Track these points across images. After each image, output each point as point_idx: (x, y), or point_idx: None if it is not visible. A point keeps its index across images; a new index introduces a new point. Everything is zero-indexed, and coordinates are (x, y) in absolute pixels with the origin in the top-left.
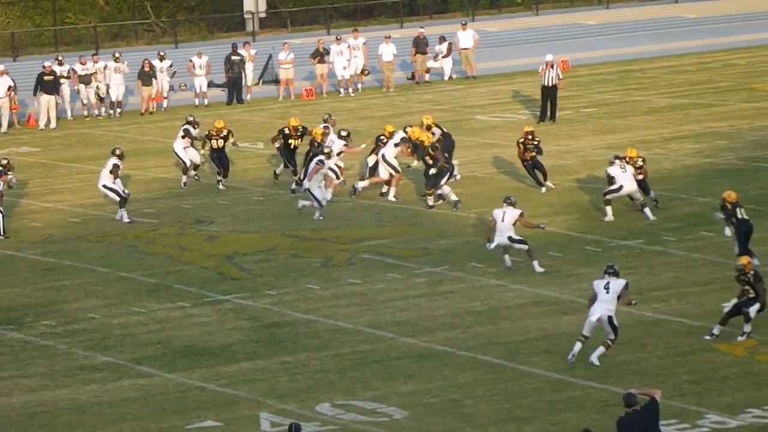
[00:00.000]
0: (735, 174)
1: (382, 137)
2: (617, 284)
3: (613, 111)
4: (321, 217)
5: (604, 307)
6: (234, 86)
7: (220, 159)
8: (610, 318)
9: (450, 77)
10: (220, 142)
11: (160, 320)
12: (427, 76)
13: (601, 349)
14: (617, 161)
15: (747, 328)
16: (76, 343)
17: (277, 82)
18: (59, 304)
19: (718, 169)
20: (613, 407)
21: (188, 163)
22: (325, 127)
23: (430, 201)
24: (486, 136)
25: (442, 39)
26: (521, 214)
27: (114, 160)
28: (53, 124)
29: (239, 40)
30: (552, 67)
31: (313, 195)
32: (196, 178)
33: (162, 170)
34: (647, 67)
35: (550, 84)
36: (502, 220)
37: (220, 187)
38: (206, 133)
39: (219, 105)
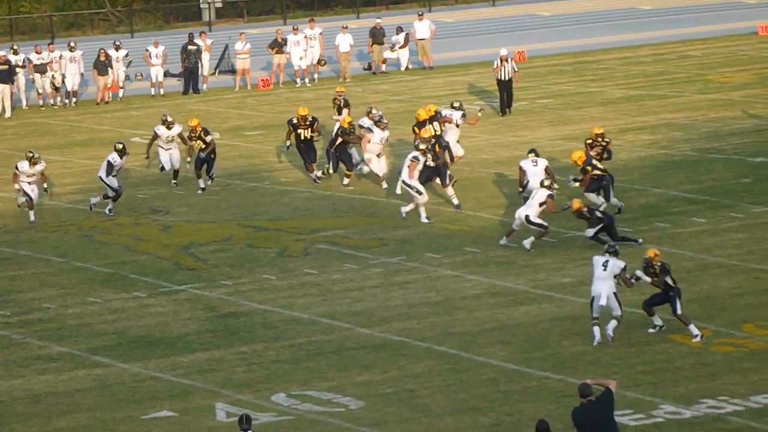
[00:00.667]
0: (690, 165)
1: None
2: (615, 264)
3: (568, 102)
4: (428, 220)
5: (604, 285)
6: (190, 76)
7: (207, 161)
8: (615, 294)
9: (406, 68)
10: (200, 143)
11: (116, 310)
12: (383, 67)
13: (614, 323)
14: (530, 155)
15: (657, 320)
16: (32, 333)
17: (233, 72)
18: (14, 294)
19: (673, 160)
20: (569, 398)
21: (168, 168)
22: (379, 118)
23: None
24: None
25: (399, 29)
26: (550, 196)
27: (111, 156)
28: (8, 114)
29: (195, 29)
30: (507, 61)
31: (413, 187)
32: (174, 183)
33: None
34: (603, 58)
35: (506, 78)
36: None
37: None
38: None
39: (175, 95)
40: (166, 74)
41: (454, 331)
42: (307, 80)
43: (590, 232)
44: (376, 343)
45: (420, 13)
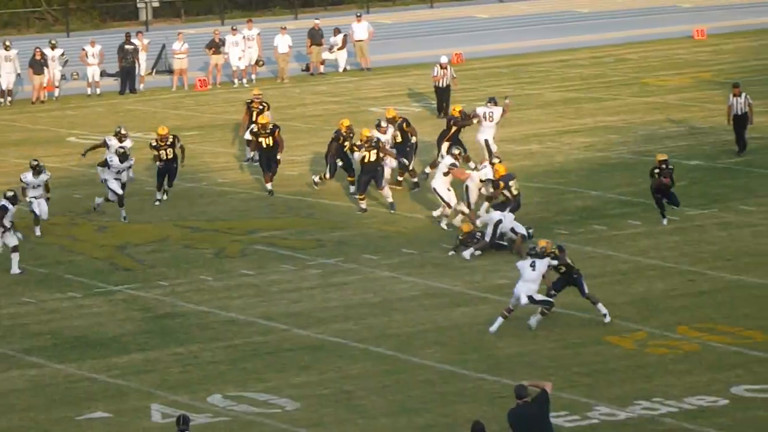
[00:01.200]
0: (626, 168)
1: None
2: (542, 263)
3: None
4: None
5: (526, 286)
6: (127, 75)
7: (169, 171)
8: (530, 297)
9: (344, 69)
10: (169, 151)
11: (51, 310)
12: (321, 68)
13: (539, 316)
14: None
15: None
16: None
17: (170, 71)
18: None
19: (609, 163)
20: (504, 399)
21: (113, 199)
22: (378, 122)
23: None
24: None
25: (337, 31)
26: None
27: (23, 174)
28: None
29: (132, 29)
30: (446, 68)
31: (440, 196)
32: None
33: (53, 159)
34: (540, 60)
35: (444, 85)
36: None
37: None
38: (152, 143)
39: (112, 94)
40: (103, 74)
41: (390, 333)
42: (245, 81)
43: (467, 253)
44: (314, 345)
45: (358, 14)
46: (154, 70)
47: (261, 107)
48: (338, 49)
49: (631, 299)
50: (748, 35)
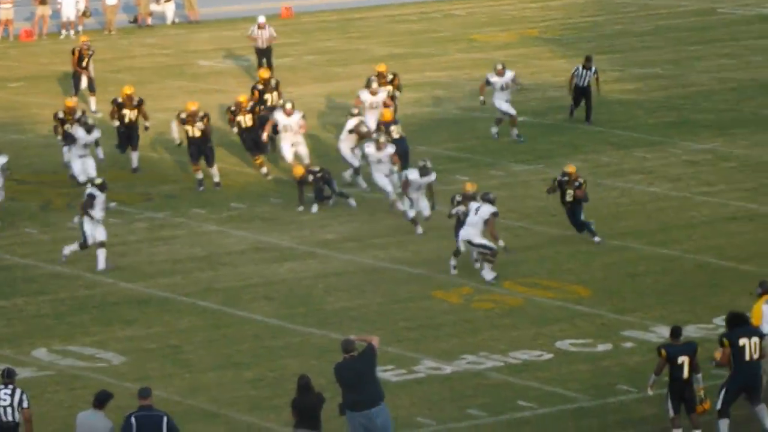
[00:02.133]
0: (454, 124)
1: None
2: (486, 209)
3: (334, 59)
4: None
5: (468, 230)
6: None
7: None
8: (469, 241)
9: (173, 21)
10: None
11: None
12: (149, 20)
13: (487, 266)
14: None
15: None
16: None
17: None
18: None
19: (437, 118)
20: (332, 353)
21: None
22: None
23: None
24: (209, 81)
25: None
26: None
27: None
28: None
29: None
30: (264, 28)
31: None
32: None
33: None
34: (369, 15)
35: (264, 46)
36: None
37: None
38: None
39: None
40: None
41: (218, 287)
42: (72, 32)
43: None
44: (141, 298)
45: None
46: None
47: (90, 54)
48: (166, 1)
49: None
50: None
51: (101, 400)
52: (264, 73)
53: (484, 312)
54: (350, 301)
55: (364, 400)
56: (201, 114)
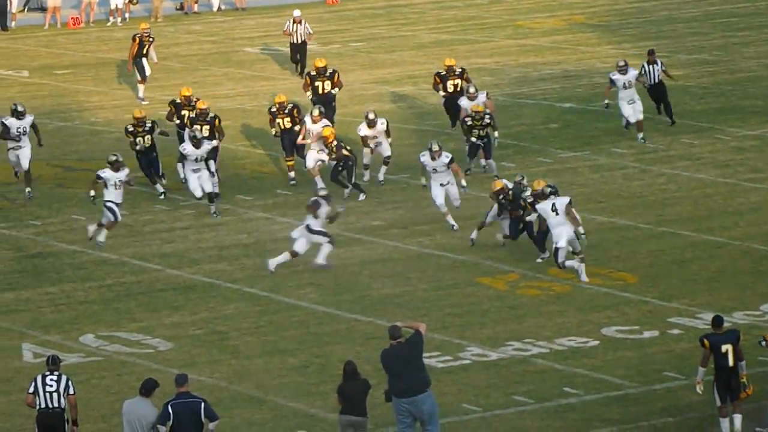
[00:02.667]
0: (499, 110)
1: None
2: (561, 202)
3: (381, 45)
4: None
5: (561, 230)
6: None
7: (150, 163)
8: (575, 233)
9: (219, 8)
10: (147, 138)
11: None
12: (195, 7)
13: (582, 266)
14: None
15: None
16: None
17: (43, 9)
18: None
19: None
20: (377, 340)
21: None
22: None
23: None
24: (254, 68)
25: None
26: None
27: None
28: None
29: None
30: (300, 23)
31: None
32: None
33: None
34: (415, 2)
35: (299, 41)
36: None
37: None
38: (129, 128)
39: None
40: None
41: (264, 273)
42: (119, 19)
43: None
44: (186, 285)
45: None
46: (26, 8)
47: (151, 41)
48: None
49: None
50: None
51: (148, 389)
52: (319, 63)
53: (530, 299)
54: (395, 287)
55: (410, 387)
56: (289, 106)
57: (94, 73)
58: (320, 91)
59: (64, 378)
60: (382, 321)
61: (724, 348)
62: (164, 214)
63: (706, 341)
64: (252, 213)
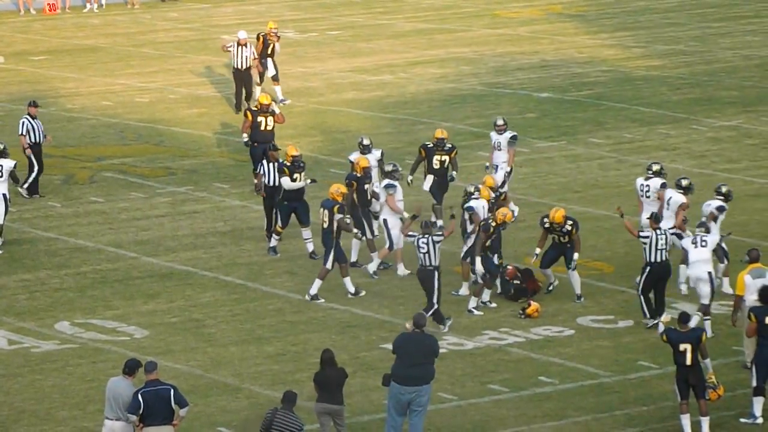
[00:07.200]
0: (477, 99)
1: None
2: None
3: (358, 34)
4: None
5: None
6: None
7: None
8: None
9: None
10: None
11: None
12: None
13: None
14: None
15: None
16: None
17: None
18: None
19: (461, 94)
20: (353, 328)
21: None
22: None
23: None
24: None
25: None
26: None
27: None
28: None
29: None
30: (246, 45)
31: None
32: None
33: None
34: None
35: (243, 66)
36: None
37: None
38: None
39: None
40: None
41: (241, 262)
42: (95, 6)
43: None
44: (163, 273)
45: None
46: None
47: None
48: None
49: None
50: None
51: (131, 367)
52: (263, 99)
53: None
54: (371, 276)
55: (420, 376)
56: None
57: (70, 59)
58: (263, 128)
59: None
60: (358, 309)
61: (682, 347)
62: (140, 202)
63: (664, 336)
64: (228, 201)
